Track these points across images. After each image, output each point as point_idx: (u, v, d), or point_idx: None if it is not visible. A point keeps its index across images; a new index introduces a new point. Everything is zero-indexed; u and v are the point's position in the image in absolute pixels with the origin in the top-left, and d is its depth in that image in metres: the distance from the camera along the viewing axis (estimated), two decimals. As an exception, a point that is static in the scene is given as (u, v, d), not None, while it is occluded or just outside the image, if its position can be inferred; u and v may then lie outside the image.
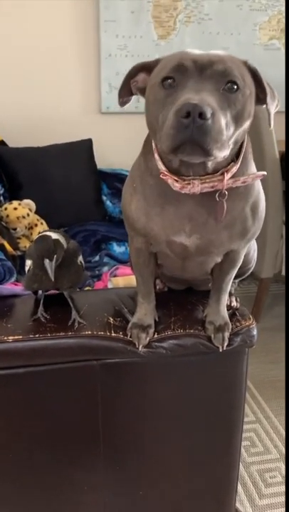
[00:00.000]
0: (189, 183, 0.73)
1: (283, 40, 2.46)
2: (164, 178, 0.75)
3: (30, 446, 0.93)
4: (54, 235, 0.89)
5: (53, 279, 0.86)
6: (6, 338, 0.84)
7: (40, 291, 0.97)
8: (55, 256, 0.86)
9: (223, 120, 0.64)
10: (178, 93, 0.66)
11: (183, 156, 0.67)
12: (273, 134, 1.94)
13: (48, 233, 0.90)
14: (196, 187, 0.73)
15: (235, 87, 0.66)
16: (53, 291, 1.07)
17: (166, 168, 0.75)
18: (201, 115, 0.61)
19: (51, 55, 2.25)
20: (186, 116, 0.61)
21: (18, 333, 0.85)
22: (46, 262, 0.85)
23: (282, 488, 1.36)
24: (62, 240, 0.90)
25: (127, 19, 2.26)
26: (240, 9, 2.37)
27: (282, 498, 1.32)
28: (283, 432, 1.57)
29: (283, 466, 1.43)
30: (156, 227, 0.81)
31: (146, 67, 0.76)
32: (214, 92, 0.65)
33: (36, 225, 1.93)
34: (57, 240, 0.88)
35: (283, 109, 2.47)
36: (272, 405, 1.70)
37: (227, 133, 0.65)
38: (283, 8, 2.40)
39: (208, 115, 0.61)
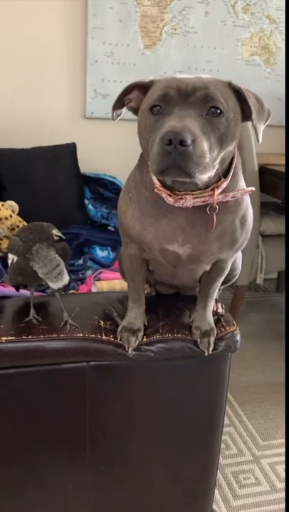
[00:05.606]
0: (182, 198, 0.77)
1: (264, 57, 2.55)
2: (158, 192, 0.79)
3: (16, 445, 0.94)
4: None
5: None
6: (-1, 338, 0.85)
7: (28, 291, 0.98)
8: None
9: (206, 144, 0.68)
10: (164, 119, 0.70)
11: (169, 178, 0.72)
12: (253, 147, 2.01)
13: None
14: (188, 201, 0.77)
15: (219, 111, 0.70)
16: (41, 294, 1.09)
17: (159, 183, 0.78)
18: (182, 142, 0.65)
19: (38, 58, 2.26)
20: (168, 144, 0.65)
21: (11, 334, 0.87)
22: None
23: (256, 489, 1.40)
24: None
25: (114, 27, 2.29)
26: (224, 25, 2.44)
27: (256, 499, 1.37)
28: (256, 435, 1.62)
29: (256, 468, 1.48)
30: (150, 236, 0.84)
31: (139, 86, 0.80)
32: (198, 118, 0.69)
33: (18, 227, 1.93)
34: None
35: (277, 124, 2.60)
36: (246, 409, 1.75)
37: (211, 155, 0.69)
38: (265, 26, 2.49)
39: (189, 142, 0.65)
